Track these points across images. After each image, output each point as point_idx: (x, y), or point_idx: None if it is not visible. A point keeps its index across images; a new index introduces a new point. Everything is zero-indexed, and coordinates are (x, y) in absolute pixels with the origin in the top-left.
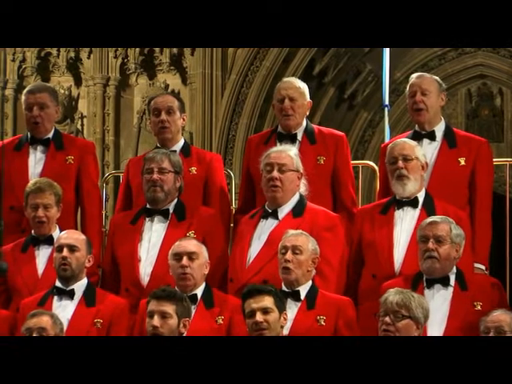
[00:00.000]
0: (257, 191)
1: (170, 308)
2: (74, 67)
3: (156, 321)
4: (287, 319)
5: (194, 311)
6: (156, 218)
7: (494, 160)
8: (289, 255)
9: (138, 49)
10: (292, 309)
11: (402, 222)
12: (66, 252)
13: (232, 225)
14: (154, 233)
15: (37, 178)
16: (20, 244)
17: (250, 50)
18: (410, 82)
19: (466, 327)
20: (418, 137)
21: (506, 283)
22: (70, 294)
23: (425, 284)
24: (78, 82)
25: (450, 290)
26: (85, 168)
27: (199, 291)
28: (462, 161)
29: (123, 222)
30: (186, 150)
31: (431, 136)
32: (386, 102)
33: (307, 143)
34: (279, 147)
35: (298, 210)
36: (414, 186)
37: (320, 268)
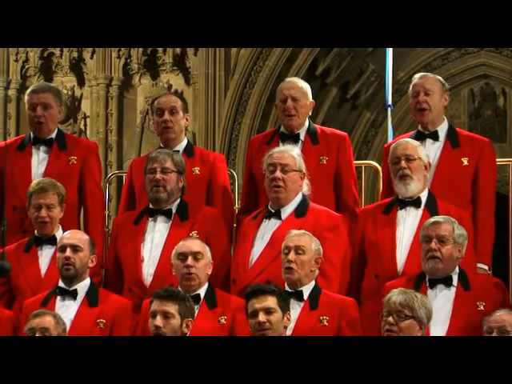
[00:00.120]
0: (259, 191)
1: (172, 308)
2: (77, 67)
3: (158, 321)
4: (291, 319)
5: (196, 311)
6: (159, 218)
7: (497, 160)
8: (291, 255)
9: (141, 49)
10: (295, 309)
11: (404, 222)
12: (69, 252)
13: (235, 225)
14: (156, 233)
15: (40, 178)
16: (23, 244)
17: (253, 50)
18: (413, 82)
19: (468, 327)
20: (421, 137)
21: (509, 283)
22: (73, 294)
23: (427, 284)
24: (81, 82)
25: (453, 290)
26: (88, 168)
27: (202, 291)
28: (465, 161)
29: (126, 222)
30: (189, 150)
31: (434, 136)
32: (389, 102)
33: (310, 143)
34: (282, 147)
35: (301, 210)
36: (417, 186)
37: (323, 268)
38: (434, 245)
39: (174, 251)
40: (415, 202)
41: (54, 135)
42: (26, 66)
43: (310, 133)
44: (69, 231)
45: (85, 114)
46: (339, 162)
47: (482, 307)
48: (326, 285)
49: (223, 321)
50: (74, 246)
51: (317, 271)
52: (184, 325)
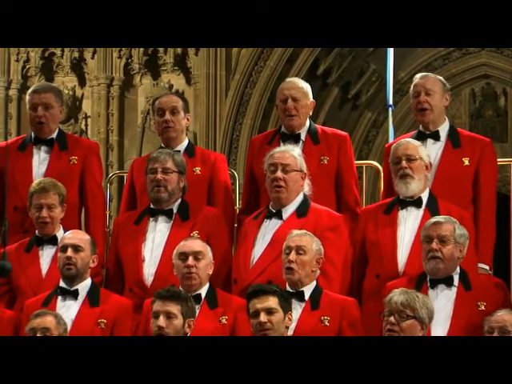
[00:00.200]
0: (260, 191)
1: (175, 308)
2: (77, 67)
3: (162, 321)
4: (292, 320)
5: (197, 311)
6: (160, 218)
7: (498, 160)
8: (292, 255)
9: (141, 49)
10: (296, 309)
11: (405, 222)
12: (70, 252)
13: (236, 225)
14: (157, 233)
15: (41, 178)
16: (24, 244)
17: (254, 50)
18: (414, 82)
19: (469, 327)
20: (422, 137)
21: (510, 283)
22: (74, 294)
23: (428, 284)
24: (82, 82)
25: (454, 290)
26: (89, 168)
27: (203, 291)
28: (466, 161)
29: (127, 222)
30: (190, 150)
31: (435, 136)
32: (390, 102)
33: (311, 143)
34: (283, 147)
35: (302, 210)
36: (418, 186)
37: (324, 268)
38: (435, 245)
39: (175, 251)
40: (416, 202)
41: (54, 135)
42: (27, 66)
43: (311, 133)
44: (70, 231)
45: (86, 114)
46: (340, 162)
47: (482, 307)
48: (327, 285)
49: (224, 321)
50: (75, 245)
51: (318, 271)
52: (186, 325)
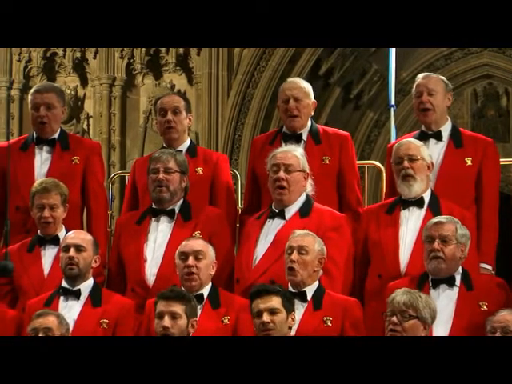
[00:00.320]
0: (262, 192)
1: (179, 308)
2: (79, 67)
3: (167, 321)
4: (295, 320)
5: (199, 311)
6: (162, 218)
7: (501, 160)
8: (294, 255)
9: (143, 49)
10: (298, 309)
11: (407, 222)
12: (72, 252)
13: (238, 225)
14: (159, 233)
15: (43, 178)
16: (26, 244)
17: (256, 50)
18: (417, 82)
19: (471, 327)
20: (424, 137)
21: None
22: (76, 295)
23: (430, 284)
24: (84, 82)
25: (456, 290)
26: (91, 168)
27: (205, 291)
28: (469, 161)
29: (129, 222)
30: (192, 150)
31: (438, 136)
32: (392, 102)
33: (312, 143)
34: (285, 148)
35: (305, 210)
36: (420, 187)
37: (326, 268)
38: (436, 245)
39: (176, 251)
40: (418, 202)
41: (56, 135)
42: (29, 66)
43: (313, 133)
44: (73, 231)
45: (88, 114)
46: (342, 162)
47: (484, 307)
48: (330, 284)
49: (226, 321)
50: (77, 245)
51: (320, 272)
52: (190, 325)
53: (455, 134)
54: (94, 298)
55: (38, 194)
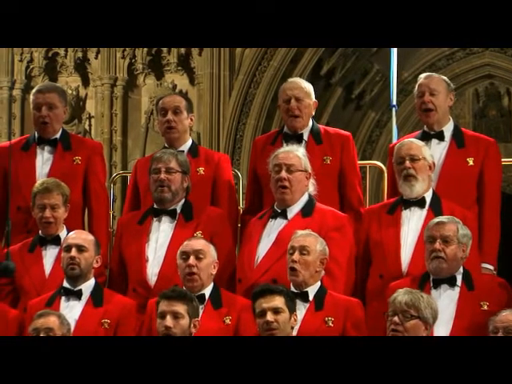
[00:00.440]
0: (264, 192)
1: (181, 308)
2: (81, 67)
3: (169, 321)
4: (297, 320)
5: (201, 311)
6: (163, 218)
7: (502, 160)
8: (296, 256)
9: (145, 49)
10: (300, 310)
11: (409, 222)
12: (74, 252)
13: (239, 225)
14: (161, 233)
15: (44, 179)
16: (27, 244)
17: (257, 50)
18: (419, 82)
19: (472, 327)
20: (426, 137)
21: None
22: (78, 295)
23: (431, 284)
24: (86, 82)
25: (457, 290)
26: (92, 168)
27: (207, 291)
28: (471, 161)
29: (131, 222)
30: (193, 151)
31: (440, 136)
32: (394, 102)
33: (313, 143)
34: (287, 148)
35: (307, 210)
36: (422, 187)
37: (329, 267)
38: (438, 245)
39: (178, 251)
40: (420, 202)
41: (58, 135)
42: (31, 66)
43: (314, 133)
44: (74, 231)
45: (89, 114)
46: (343, 162)
47: (485, 307)
48: (332, 285)
49: (228, 321)
50: (79, 246)
51: (322, 272)
52: (192, 325)
53: (457, 134)
54: (96, 298)
55: (39, 194)
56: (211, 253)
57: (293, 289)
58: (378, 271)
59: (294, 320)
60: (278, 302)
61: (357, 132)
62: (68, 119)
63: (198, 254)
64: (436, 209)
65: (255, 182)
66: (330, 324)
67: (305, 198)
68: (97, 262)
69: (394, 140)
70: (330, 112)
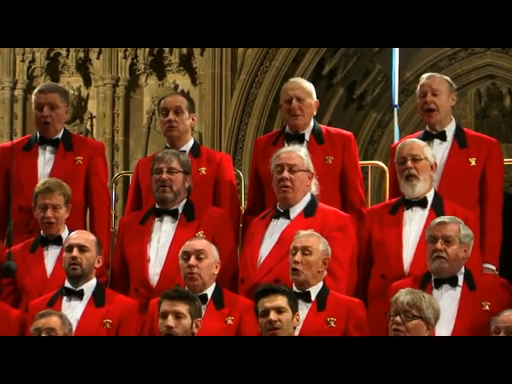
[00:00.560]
0: (265, 192)
1: (183, 308)
2: (83, 67)
3: (171, 321)
4: (299, 320)
5: (203, 311)
6: (165, 218)
7: (505, 160)
8: (298, 256)
9: (147, 49)
10: (302, 310)
11: (411, 222)
12: (75, 252)
13: (241, 225)
14: (163, 233)
15: (46, 179)
16: (29, 244)
17: (259, 50)
18: (421, 83)
19: (474, 327)
20: (428, 137)
21: None
22: (79, 295)
23: (433, 284)
24: (88, 82)
25: (459, 290)
26: (94, 168)
27: (209, 291)
28: (473, 161)
29: (132, 222)
30: (195, 151)
31: (442, 136)
32: (396, 103)
33: (315, 143)
34: (289, 148)
35: (310, 210)
36: (423, 187)
37: (331, 268)
38: (439, 245)
39: (180, 251)
40: (421, 203)
41: (60, 135)
42: (33, 67)
43: (315, 133)
44: (76, 231)
45: (91, 115)
46: (344, 162)
47: (487, 307)
48: (335, 285)
49: (230, 321)
50: (80, 246)
51: (325, 272)
52: (194, 325)
53: (459, 134)
54: (97, 298)
55: (40, 194)
56: (213, 253)
57: (295, 289)
58: (379, 271)
59: (297, 320)
60: (281, 301)
61: (359, 132)
62: (70, 119)
63: (199, 254)
64: (438, 209)
65: (257, 181)
66: (332, 324)
67: (307, 198)
68: (98, 262)
69: (396, 140)
70: (331, 112)
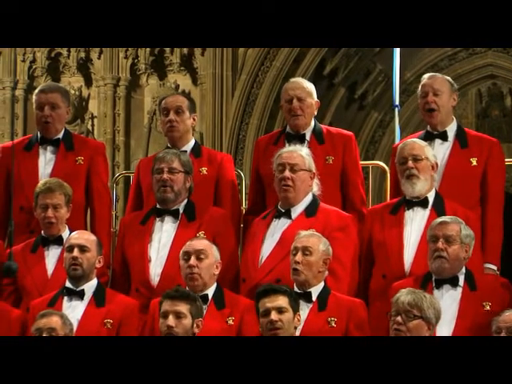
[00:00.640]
0: (266, 192)
1: (184, 308)
2: (84, 67)
3: (171, 321)
4: (300, 320)
5: (204, 312)
6: (166, 218)
7: (506, 160)
8: (298, 256)
9: (148, 49)
10: (303, 310)
11: (411, 222)
12: (76, 252)
13: (242, 225)
14: (164, 233)
15: (47, 179)
16: (30, 244)
17: (260, 50)
18: (422, 83)
19: (474, 327)
20: (430, 137)
21: None
22: (80, 295)
23: (434, 284)
24: (89, 82)
25: (459, 290)
26: (95, 168)
27: (210, 291)
28: (474, 161)
29: (133, 222)
30: (196, 151)
31: (443, 136)
32: (397, 103)
33: (316, 143)
34: (291, 147)
35: (311, 210)
36: (424, 186)
37: (332, 268)
38: (440, 244)
39: (181, 251)
40: (422, 203)
41: (61, 135)
42: (34, 67)
43: (316, 133)
44: (76, 231)
45: (92, 115)
46: (345, 162)
47: (488, 307)
48: (336, 285)
49: (231, 322)
50: (81, 246)
51: (326, 272)
52: (195, 325)
53: (461, 134)
54: (98, 298)
55: (41, 193)
56: (213, 253)
57: (296, 289)
58: (380, 271)
59: (298, 320)
60: (282, 301)
61: (359, 132)
62: (71, 119)
63: (200, 255)
64: (439, 209)
65: (258, 182)
66: (333, 324)
67: (309, 198)
68: (99, 262)
69: (397, 140)
70: (332, 112)
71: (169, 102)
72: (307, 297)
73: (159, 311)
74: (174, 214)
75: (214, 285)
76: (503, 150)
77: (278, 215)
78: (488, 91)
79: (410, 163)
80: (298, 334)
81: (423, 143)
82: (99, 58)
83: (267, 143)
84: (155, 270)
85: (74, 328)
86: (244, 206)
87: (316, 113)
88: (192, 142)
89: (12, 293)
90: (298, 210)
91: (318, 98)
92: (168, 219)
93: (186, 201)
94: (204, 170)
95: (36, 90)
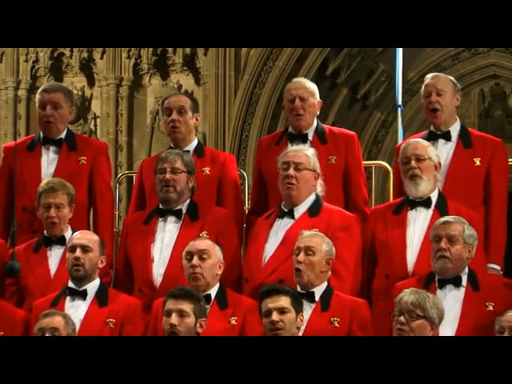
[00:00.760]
0: (269, 192)
1: (187, 307)
2: (87, 67)
3: (174, 319)
4: (303, 320)
5: (207, 311)
6: (169, 218)
7: (509, 160)
8: (301, 256)
9: (151, 49)
10: (306, 310)
11: (414, 222)
12: (79, 252)
13: (245, 225)
14: (166, 233)
15: (49, 178)
16: (32, 244)
17: (263, 50)
18: (425, 83)
19: (477, 327)
20: (433, 137)
21: None
22: (83, 295)
23: (437, 284)
24: (91, 82)
25: (462, 290)
26: (98, 168)
27: (213, 292)
28: (477, 161)
29: (136, 222)
30: (199, 151)
31: (447, 136)
32: (399, 103)
33: (318, 143)
34: (296, 147)
35: (314, 210)
36: (427, 186)
37: (335, 268)
38: (443, 244)
39: (183, 251)
40: (425, 203)
41: (63, 135)
42: (36, 67)
43: (318, 133)
44: (79, 231)
45: (95, 115)
46: (348, 162)
47: (491, 307)
48: (339, 285)
49: (234, 322)
50: (83, 246)
51: (329, 272)
52: (198, 325)
53: (464, 134)
54: (101, 297)
55: (44, 193)
56: (216, 253)
57: (299, 289)
58: (383, 271)
59: (300, 320)
60: (284, 302)
61: (362, 132)
62: (73, 119)
63: (202, 255)
64: (442, 209)
65: (260, 182)
66: (336, 324)
67: (312, 198)
68: (102, 262)
69: (400, 140)
70: (335, 112)
71: (171, 101)
72: (310, 297)
73: (163, 311)
74: (177, 214)
75: (217, 285)
76: (506, 149)
77: (281, 215)
78: (491, 91)
79: (413, 163)
80: (300, 334)
81: (426, 143)
82: (102, 58)
83: (270, 143)
84: (158, 270)
85: (77, 328)
86: (247, 205)
87: (318, 113)
88: (195, 142)
89: (15, 293)
90: (301, 210)
91: (320, 97)
92: (171, 219)
93: (188, 201)
94: (207, 170)
95: (39, 90)
